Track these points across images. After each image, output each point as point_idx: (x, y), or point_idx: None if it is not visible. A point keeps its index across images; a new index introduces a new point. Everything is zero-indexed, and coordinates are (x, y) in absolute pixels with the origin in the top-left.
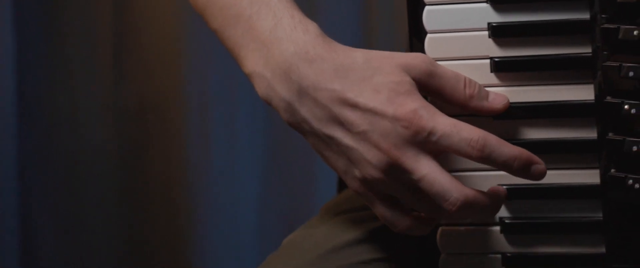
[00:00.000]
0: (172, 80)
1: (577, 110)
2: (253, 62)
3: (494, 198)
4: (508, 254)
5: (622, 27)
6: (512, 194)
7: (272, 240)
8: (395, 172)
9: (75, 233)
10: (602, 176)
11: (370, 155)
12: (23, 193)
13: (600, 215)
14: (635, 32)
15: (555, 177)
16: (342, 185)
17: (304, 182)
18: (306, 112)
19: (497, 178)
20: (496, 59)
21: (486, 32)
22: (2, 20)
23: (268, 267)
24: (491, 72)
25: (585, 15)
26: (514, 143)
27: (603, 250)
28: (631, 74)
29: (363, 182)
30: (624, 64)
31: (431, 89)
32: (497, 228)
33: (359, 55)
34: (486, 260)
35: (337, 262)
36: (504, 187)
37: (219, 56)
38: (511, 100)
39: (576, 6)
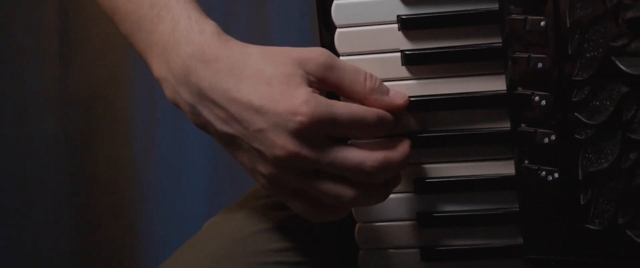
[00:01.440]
0: (118, 69)
1: (490, 101)
2: (158, 67)
3: (402, 149)
4: (426, 248)
5: (530, 17)
6: (429, 188)
7: None
8: (297, 165)
9: (22, 222)
10: (516, 168)
11: (269, 152)
12: None
13: (517, 206)
14: (542, 23)
15: (471, 169)
16: None
17: None
18: (208, 113)
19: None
20: (407, 52)
21: (396, 25)
22: None
23: (184, 250)
24: (402, 65)
25: (495, 6)
26: (427, 137)
27: (520, 241)
28: (540, 65)
29: (268, 179)
30: (532, 55)
31: (330, 82)
32: (415, 222)
33: (254, 50)
34: (405, 255)
35: (252, 248)
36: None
37: None
38: (423, 93)
39: None
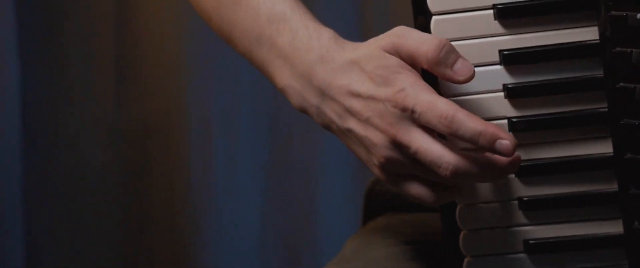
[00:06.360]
0: (174, 101)
1: (595, 164)
2: (281, 77)
3: (489, 164)
4: None
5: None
6: (539, 248)
7: (273, 261)
8: (398, 148)
9: (77, 257)
10: (625, 228)
11: (376, 138)
12: (26, 216)
13: (626, 263)
14: None
15: (577, 228)
16: (366, 217)
17: (305, 202)
18: (330, 111)
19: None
20: (514, 120)
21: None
22: (7, 47)
23: None
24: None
25: (599, 73)
26: (533, 200)
27: None
28: None
29: (381, 166)
30: None
31: (406, 60)
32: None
33: (362, 48)
34: None
35: None
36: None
37: (221, 77)
38: (527, 158)
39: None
